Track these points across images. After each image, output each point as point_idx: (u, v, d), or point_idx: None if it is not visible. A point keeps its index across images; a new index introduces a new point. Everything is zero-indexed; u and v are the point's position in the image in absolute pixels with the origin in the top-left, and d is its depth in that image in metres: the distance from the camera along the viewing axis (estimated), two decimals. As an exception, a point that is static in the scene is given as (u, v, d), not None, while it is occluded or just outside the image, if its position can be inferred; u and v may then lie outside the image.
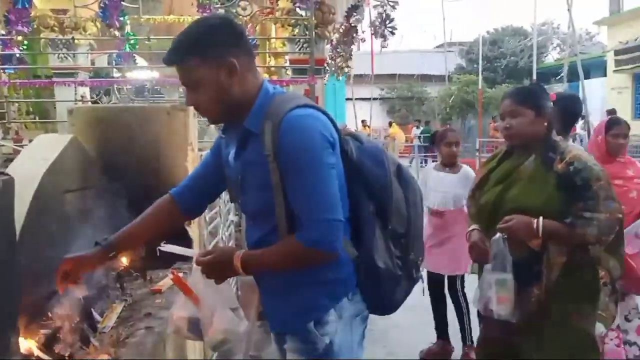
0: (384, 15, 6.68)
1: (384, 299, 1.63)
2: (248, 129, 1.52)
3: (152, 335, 1.69)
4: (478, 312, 2.36)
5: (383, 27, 6.75)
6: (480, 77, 18.32)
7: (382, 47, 7.33)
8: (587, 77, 14.95)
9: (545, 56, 27.49)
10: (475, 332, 2.46)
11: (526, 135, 2.20)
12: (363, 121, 19.88)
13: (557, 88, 18.09)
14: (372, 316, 1.75)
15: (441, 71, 23.84)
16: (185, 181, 1.79)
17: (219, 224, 3.82)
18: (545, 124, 2.20)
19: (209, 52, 1.48)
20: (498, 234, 2.15)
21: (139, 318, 1.87)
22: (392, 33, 6.79)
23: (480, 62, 19.38)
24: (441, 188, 3.58)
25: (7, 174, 1.32)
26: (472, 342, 3.52)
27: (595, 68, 22.00)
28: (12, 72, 5.97)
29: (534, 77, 9.52)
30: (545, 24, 27.42)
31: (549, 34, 27.84)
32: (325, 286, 1.56)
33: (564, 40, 24.52)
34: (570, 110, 2.82)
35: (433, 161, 3.81)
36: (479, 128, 17.39)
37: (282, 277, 1.57)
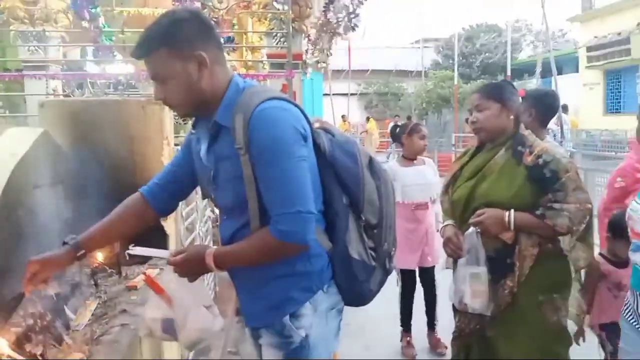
0: (350, 8, 6.69)
1: (358, 290, 1.64)
2: (219, 122, 1.51)
3: (127, 333, 1.66)
4: (453, 306, 2.38)
5: (346, 20, 6.78)
6: (456, 72, 18.52)
7: (343, 39, 7.33)
8: (560, 73, 15.21)
9: (519, 52, 27.89)
10: (449, 326, 2.48)
11: (492, 129, 2.25)
12: (343, 116, 19.93)
13: (530, 84, 18.41)
14: (348, 311, 1.76)
15: (417, 67, 24.02)
16: (155, 179, 1.77)
17: (195, 220, 3.78)
18: (512, 117, 2.24)
19: (177, 45, 1.46)
20: (471, 228, 2.19)
21: (114, 315, 1.84)
22: (353, 29, 6.82)
23: (456, 58, 19.57)
24: (418, 181, 3.62)
25: (-26, 168, 1.28)
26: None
27: (568, 64, 22.43)
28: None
29: (508, 73, 9.65)
30: (519, 20, 27.79)
31: (523, 31, 28.22)
32: (300, 279, 1.57)
33: (537, 37, 24.88)
34: (548, 105, 2.87)
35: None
36: (454, 123, 17.56)
37: (256, 272, 1.57)
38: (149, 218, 1.76)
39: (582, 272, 2.41)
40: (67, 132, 2.37)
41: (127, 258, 1.71)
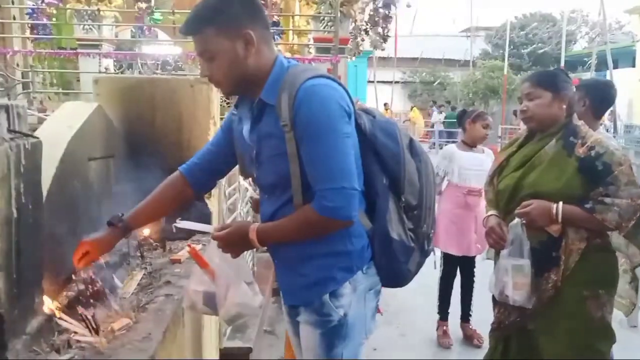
0: None
1: (397, 270, 1.66)
2: (264, 100, 1.54)
3: (171, 303, 1.72)
4: (493, 297, 2.35)
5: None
6: (506, 62, 18.01)
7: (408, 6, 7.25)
8: (615, 66, 14.63)
9: (574, 44, 26.92)
10: (488, 317, 2.46)
11: (543, 118, 2.19)
12: (385, 104, 19.75)
13: (584, 77, 17.75)
14: (385, 298, 1.76)
15: (466, 56, 23.50)
16: (194, 158, 1.81)
17: (237, 200, 3.85)
18: (564, 106, 2.17)
19: (226, 23, 1.48)
20: (516, 219, 2.14)
21: (159, 286, 1.89)
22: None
23: (507, 47, 19.04)
24: (475, 167, 3.59)
25: (36, 137, 1.34)
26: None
27: (624, 58, 21.51)
28: (40, 42, 6.03)
29: (562, 64, 9.34)
30: (575, 11, 26.79)
31: (578, 22, 27.21)
32: (340, 258, 1.58)
33: (594, 28, 23.96)
34: (603, 95, 2.75)
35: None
36: (502, 114, 17.15)
37: (297, 250, 1.59)
38: (188, 196, 1.81)
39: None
40: (119, 108, 2.44)
41: (174, 231, 1.76)
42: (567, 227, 2.09)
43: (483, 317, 2.58)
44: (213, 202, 2.73)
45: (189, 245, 1.72)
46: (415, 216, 1.68)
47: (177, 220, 1.75)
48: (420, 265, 1.73)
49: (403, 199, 1.64)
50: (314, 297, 1.59)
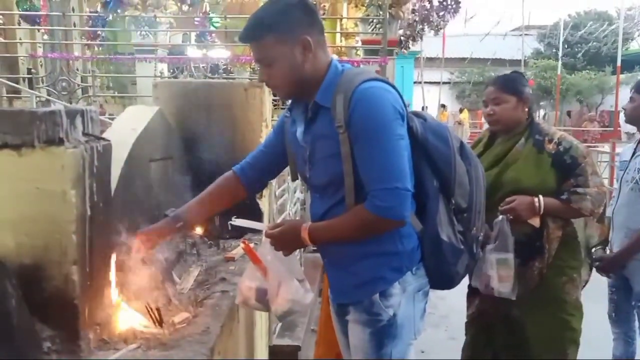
0: None
1: (446, 272, 1.67)
2: (319, 103, 1.58)
3: (227, 299, 1.78)
4: (469, 288, 2.48)
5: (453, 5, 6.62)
6: (559, 62, 17.51)
7: (439, 28, 7.21)
8: (676, 65, 13.95)
9: (630, 42, 25.84)
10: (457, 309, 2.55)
11: (509, 121, 2.37)
12: (443, 105, 19.49)
13: (642, 76, 17.03)
14: (433, 300, 1.78)
15: (517, 55, 22.95)
16: (247, 158, 1.87)
17: (286, 200, 3.93)
18: (527, 109, 2.38)
19: (284, 30, 1.53)
20: (501, 216, 2.26)
21: (214, 282, 1.96)
22: (456, 11, 6.63)
23: (561, 46, 18.48)
24: None
25: (107, 139, 1.44)
26: None
27: (686, 56, 20.49)
28: (98, 48, 6.31)
29: (618, 63, 9.01)
30: (632, 8, 25.72)
31: (636, 20, 26.11)
32: (391, 258, 1.60)
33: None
34: None
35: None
36: (555, 115, 16.66)
37: (348, 249, 1.62)
38: (240, 195, 1.88)
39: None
40: (177, 111, 2.55)
41: (230, 228, 1.83)
42: (547, 218, 2.29)
43: (459, 308, 2.72)
44: (264, 202, 2.80)
45: (243, 242, 1.78)
46: (465, 219, 1.69)
47: (233, 218, 1.82)
48: (469, 268, 1.75)
49: (453, 202, 1.66)
50: (363, 296, 1.62)
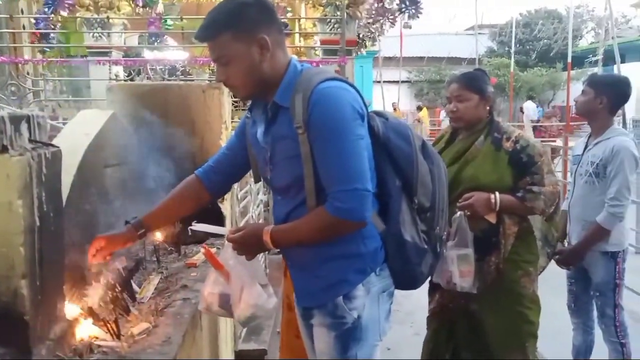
0: None
1: (411, 272, 1.66)
2: (277, 103, 1.55)
3: (189, 306, 1.74)
4: (430, 284, 2.52)
5: (412, 7, 6.66)
6: (512, 60, 17.96)
7: (405, 27, 7.27)
8: (622, 61, 14.52)
9: (580, 40, 26.78)
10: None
11: (471, 118, 2.41)
12: (393, 104, 19.72)
13: (589, 72, 17.65)
14: (397, 298, 1.78)
15: (472, 54, 23.44)
16: (210, 162, 1.84)
17: (249, 203, 3.88)
18: (488, 107, 2.42)
19: (241, 29, 1.51)
20: (459, 212, 2.31)
21: (176, 290, 1.91)
22: (418, 15, 6.71)
23: (513, 44, 18.97)
24: None
25: (56, 146, 1.37)
26: None
27: (632, 52, 21.38)
28: (49, 50, 6.09)
29: (569, 60, 9.30)
30: (580, 6, 26.68)
31: (584, 17, 27.08)
32: (354, 260, 1.59)
33: (599, 23, 23.83)
34: (620, 93, 2.83)
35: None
36: (509, 112, 17.09)
37: (311, 252, 1.60)
38: (204, 199, 1.84)
39: None
40: (132, 115, 2.47)
41: (190, 233, 1.79)
42: (503, 214, 2.34)
43: (423, 304, 2.77)
44: (226, 206, 2.75)
45: (203, 247, 1.74)
46: (428, 218, 1.68)
47: (193, 223, 1.78)
48: (432, 267, 1.74)
49: (416, 201, 1.65)
50: (327, 300, 1.60)
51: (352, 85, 1.59)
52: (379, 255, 1.62)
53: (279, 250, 1.74)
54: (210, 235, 2.34)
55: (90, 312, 1.52)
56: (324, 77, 1.53)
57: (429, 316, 2.67)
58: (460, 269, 2.29)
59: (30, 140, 1.28)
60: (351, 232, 1.54)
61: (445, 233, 1.79)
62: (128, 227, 1.72)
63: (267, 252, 4.30)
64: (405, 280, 1.69)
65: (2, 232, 1.19)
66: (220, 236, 2.46)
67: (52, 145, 1.36)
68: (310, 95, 1.48)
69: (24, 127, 1.25)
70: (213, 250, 2.33)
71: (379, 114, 1.70)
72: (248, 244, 1.62)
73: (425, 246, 1.66)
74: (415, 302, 4.15)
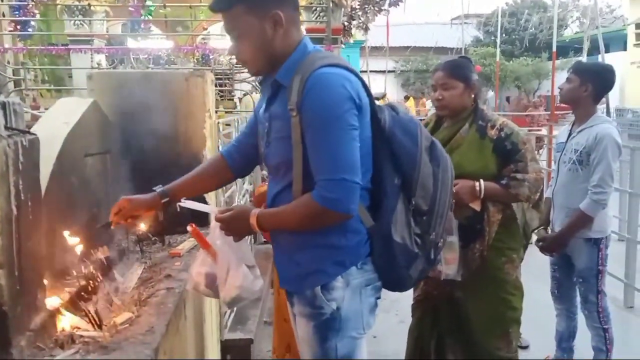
0: None
1: (397, 274, 1.62)
2: (278, 81, 1.54)
3: (172, 296, 1.72)
4: None
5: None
6: (498, 49, 17.98)
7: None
8: (607, 51, 14.64)
9: (565, 29, 26.93)
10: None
11: (456, 106, 2.41)
12: (383, 94, 19.67)
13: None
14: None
15: (458, 44, 23.45)
16: (233, 141, 1.87)
17: (234, 192, 3.86)
18: (473, 95, 2.42)
19: (255, 2, 1.50)
20: None
21: (159, 279, 1.90)
22: (397, 4, 6.69)
23: (499, 34, 19.00)
24: None
25: (33, 133, 1.34)
26: None
27: (616, 42, 21.57)
28: (29, 39, 5.98)
29: (554, 49, 9.34)
30: (566, -4, 26.78)
31: (569, 7, 27.21)
32: (333, 252, 1.56)
33: (584, 13, 23.96)
34: (605, 81, 2.85)
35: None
36: (495, 101, 17.16)
37: (294, 237, 1.59)
38: (228, 178, 1.89)
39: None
40: (114, 103, 2.44)
41: (178, 210, 1.77)
42: (487, 202, 2.36)
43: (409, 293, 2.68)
44: (210, 195, 2.73)
45: (190, 225, 1.72)
46: (425, 222, 1.63)
47: (182, 200, 1.77)
48: (424, 272, 1.69)
49: (413, 202, 1.60)
50: (305, 288, 1.59)
51: (356, 74, 1.55)
52: (362, 250, 1.59)
53: (265, 240, 1.74)
54: (199, 211, 2.31)
55: (71, 303, 1.50)
56: (327, 62, 1.50)
57: (413, 304, 2.69)
58: (445, 256, 2.30)
59: (6, 128, 1.25)
60: (335, 223, 1.51)
61: (441, 240, 1.71)
62: (153, 194, 1.74)
63: (254, 241, 4.30)
64: (391, 280, 1.65)
65: (-22, 222, 1.16)
66: (207, 222, 2.45)
67: (30, 133, 1.34)
68: (307, 78, 1.45)
69: (-1, 114, 1.22)
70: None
71: (391, 107, 1.67)
72: (235, 225, 1.61)
73: (417, 250, 1.60)
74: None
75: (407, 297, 4.21)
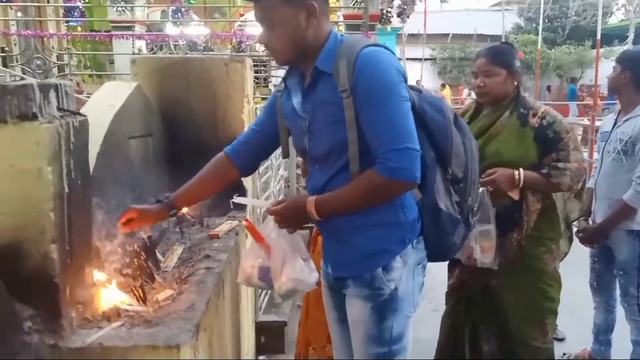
0: None
1: (444, 242, 1.67)
2: (319, 68, 1.55)
3: (211, 275, 1.76)
4: (454, 260, 2.46)
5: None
6: (540, 36, 17.48)
7: (443, 1, 7.16)
8: (654, 38, 14.08)
9: (609, 17, 25.98)
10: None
11: (498, 94, 2.37)
12: (417, 82, 19.48)
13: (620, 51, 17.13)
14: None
15: (497, 31, 22.94)
16: (240, 139, 1.85)
17: (270, 178, 3.91)
18: (515, 82, 2.38)
19: None
20: (481, 188, 2.26)
21: (199, 259, 1.94)
22: None
23: (541, 21, 18.47)
24: None
25: (83, 115, 1.39)
26: None
27: (664, 29, 20.66)
28: (80, 25, 6.14)
29: (598, 37, 9.05)
30: (612, -18, 25.80)
31: (615, -7, 26.23)
32: (393, 230, 1.59)
33: (630, 0, 23.08)
34: None
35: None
36: (535, 90, 16.75)
37: (350, 220, 1.60)
38: (233, 177, 1.86)
39: None
40: (156, 87, 2.49)
41: (232, 207, 1.81)
42: (526, 191, 2.32)
43: (443, 280, 2.78)
44: (247, 180, 2.77)
45: (245, 220, 1.76)
46: (461, 189, 1.69)
47: (235, 196, 1.80)
48: (464, 238, 1.75)
49: (450, 172, 1.66)
50: (365, 271, 1.61)
51: (392, 52, 1.59)
52: (417, 227, 1.63)
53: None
54: (230, 207, 2.35)
55: (117, 278, 1.56)
56: (367, 43, 1.55)
57: (447, 291, 2.68)
58: (481, 244, 2.29)
59: (58, 109, 1.31)
60: (401, 194, 1.55)
61: (476, 204, 1.79)
62: (160, 205, 1.76)
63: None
64: (439, 250, 1.70)
65: (33, 198, 1.22)
66: (242, 208, 2.50)
67: (80, 114, 1.39)
68: (355, 60, 1.48)
69: (52, 95, 1.28)
70: (235, 223, 2.37)
71: (412, 87, 1.68)
72: (291, 216, 1.63)
73: (459, 216, 1.67)
74: (434, 279, 4.14)
75: (440, 286, 4.18)
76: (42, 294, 1.25)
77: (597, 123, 6.53)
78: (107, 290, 1.48)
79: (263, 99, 6.80)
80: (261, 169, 3.45)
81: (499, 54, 2.39)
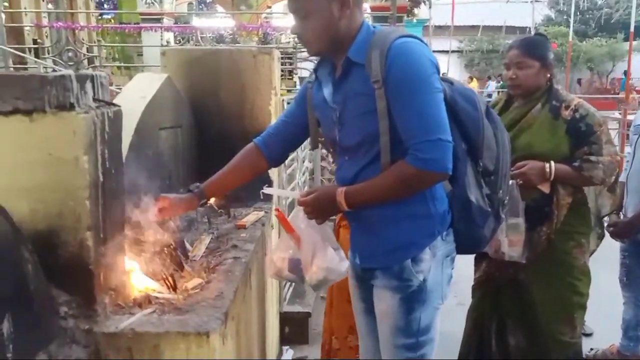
0: None
1: (474, 235, 1.67)
2: (352, 59, 1.56)
3: (239, 265, 1.79)
4: (481, 253, 2.44)
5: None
6: (571, 28, 17.11)
7: None
8: (691, 30, 13.64)
9: (644, 8, 25.27)
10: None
11: (531, 86, 2.33)
12: (443, 74, 19.28)
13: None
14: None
15: (527, 22, 22.53)
16: (269, 129, 1.86)
17: (295, 170, 3.93)
18: (548, 75, 2.33)
19: None
20: (511, 181, 2.22)
21: (226, 249, 1.97)
22: None
23: (572, 12, 18.07)
24: None
25: (117, 105, 1.42)
26: None
27: (701, 21, 20.01)
28: (113, 17, 6.23)
29: (631, 30, 8.81)
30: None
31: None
32: (423, 222, 1.59)
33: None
34: None
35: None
36: (565, 83, 16.43)
37: (380, 212, 1.60)
38: (262, 168, 1.88)
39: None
40: (186, 79, 2.53)
41: (262, 197, 1.83)
42: (557, 184, 2.29)
43: (468, 273, 2.73)
44: (273, 171, 2.79)
45: (276, 210, 1.78)
46: (492, 182, 1.69)
47: (264, 187, 1.82)
48: (494, 231, 1.74)
49: (481, 164, 1.65)
50: (394, 262, 1.61)
51: (425, 43, 1.59)
52: (447, 219, 1.63)
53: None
54: (257, 198, 2.37)
55: (149, 266, 1.60)
56: (400, 34, 1.54)
57: (474, 285, 2.66)
58: (509, 238, 2.26)
59: (94, 99, 1.34)
60: (432, 185, 1.55)
61: (506, 197, 1.78)
62: (191, 195, 1.79)
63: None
64: (468, 243, 1.69)
65: (69, 187, 1.26)
66: (269, 199, 2.52)
67: (115, 105, 1.42)
68: (388, 51, 1.48)
69: (88, 86, 1.31)
70: (261, 214, 2.39)
71: (444, 79, 1.67)
72: (320, 207, 1.63)
73: (489, 209, 1.67)
74: (459, 272, 4.12)
75: (466, 280, 4.16)
76: (78, 280, 1.29)
77: (630, 117, 6.38)
78: (139, 278, 1.52)
79: (288, 91, 6.82)
80: (287, 160, 3.47)
81: (532, 45, 2.35)
